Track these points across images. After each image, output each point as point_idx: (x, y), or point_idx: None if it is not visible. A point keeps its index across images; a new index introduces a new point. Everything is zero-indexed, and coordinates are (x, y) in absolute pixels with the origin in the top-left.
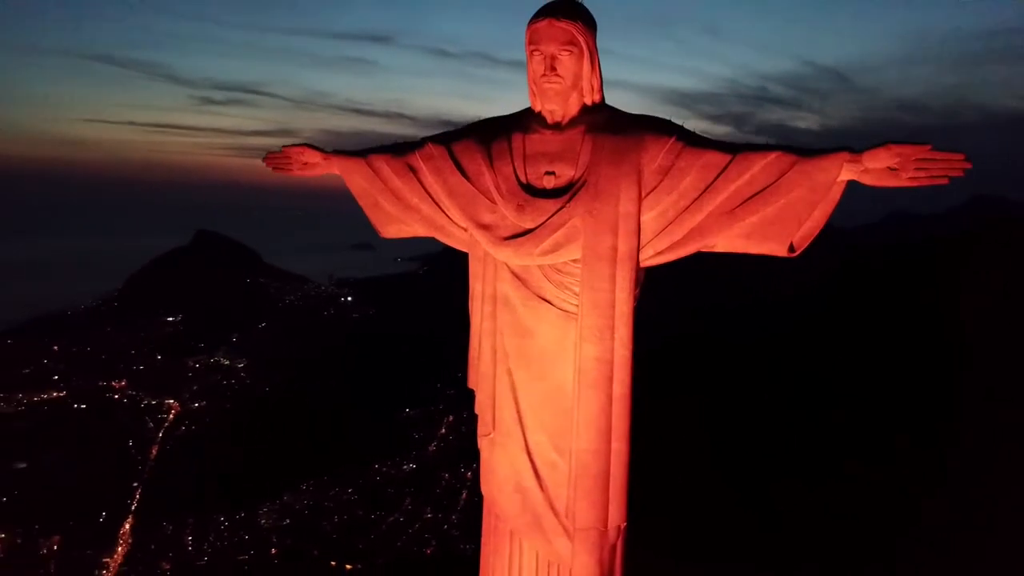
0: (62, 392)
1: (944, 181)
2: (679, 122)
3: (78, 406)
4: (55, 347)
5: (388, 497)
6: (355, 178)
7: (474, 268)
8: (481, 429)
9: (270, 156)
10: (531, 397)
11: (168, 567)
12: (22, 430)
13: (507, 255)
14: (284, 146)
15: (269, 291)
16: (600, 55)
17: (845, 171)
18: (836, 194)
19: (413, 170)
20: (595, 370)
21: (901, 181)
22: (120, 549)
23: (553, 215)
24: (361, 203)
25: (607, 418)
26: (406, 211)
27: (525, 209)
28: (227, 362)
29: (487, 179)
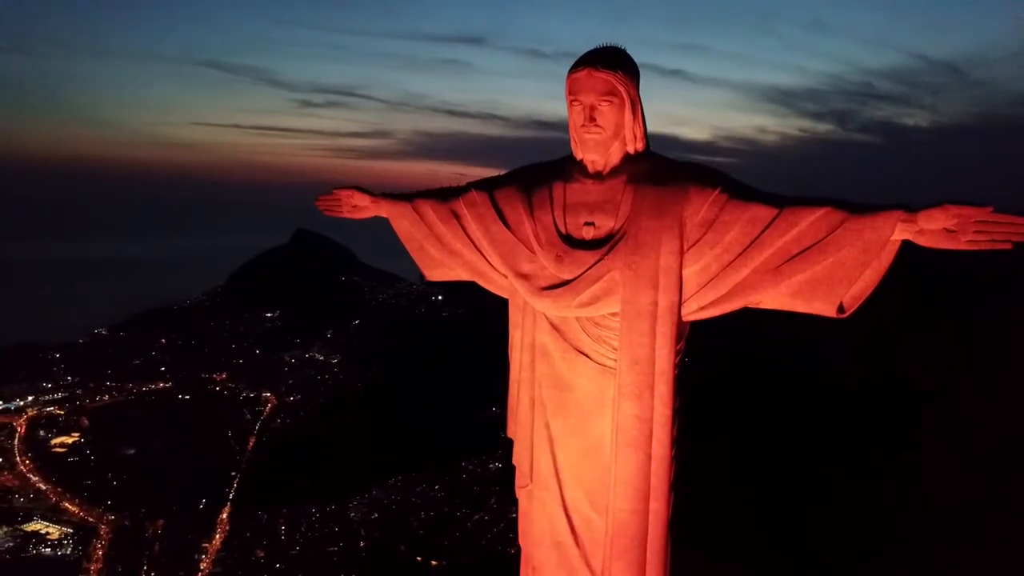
0: (168, 383)
1: (1007, 246)
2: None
3: (182, 397)
4: (162, 340)
5: (474, 495)
6: (401, 222)
7: (514, 316)
8: (519, 480)
9: (321, 198)
10: (569, 452)
11: (262, 555)
12: (132, 418)
13: (545, 305)
14: (335, 188)
15: (363, 289)
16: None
17: (899, 231)
18: (889, 254)
19: (457, 216)
20: (634, 428)
21: (959, 244)
22: (218, 535)
23: (591, 267)
24: (407, 247)
25: (645, 478)
26: (450, 256)
27: (564, 260)
28: (321, 358)
29: (527, 228)
